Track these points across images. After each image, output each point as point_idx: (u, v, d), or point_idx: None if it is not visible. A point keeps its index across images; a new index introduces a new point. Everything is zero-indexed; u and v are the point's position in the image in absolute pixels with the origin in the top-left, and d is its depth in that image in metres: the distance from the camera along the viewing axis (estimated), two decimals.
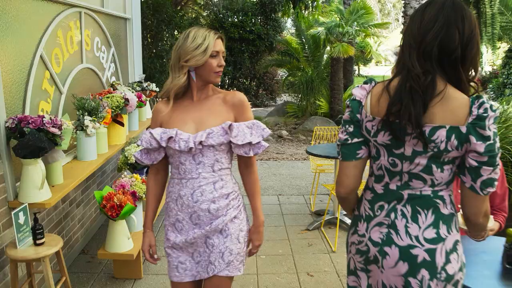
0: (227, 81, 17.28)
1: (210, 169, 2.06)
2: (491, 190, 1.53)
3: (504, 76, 14.50)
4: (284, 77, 15.03)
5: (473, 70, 1.57)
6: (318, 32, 10.79)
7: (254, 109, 16.11)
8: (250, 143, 2.04)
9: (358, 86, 1.71)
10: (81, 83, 4.26)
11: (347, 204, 1.82)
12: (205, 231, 2.07)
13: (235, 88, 17.40)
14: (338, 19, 11.16)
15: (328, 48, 11.72)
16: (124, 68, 5.71)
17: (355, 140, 1.69)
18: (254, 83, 17.15)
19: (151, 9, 11.00)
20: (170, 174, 2.21)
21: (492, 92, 15.40)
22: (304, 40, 12.50)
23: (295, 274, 3.81)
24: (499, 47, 19.07)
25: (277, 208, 5.45)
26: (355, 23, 10.82)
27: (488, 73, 20.32)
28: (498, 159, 1.50)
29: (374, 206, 1.68)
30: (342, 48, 10.16)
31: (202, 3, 18.53)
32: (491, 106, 1.46)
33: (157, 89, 5.53)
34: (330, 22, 10.98)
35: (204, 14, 18.08)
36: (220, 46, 2.06)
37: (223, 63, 2.07)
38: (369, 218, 1.69)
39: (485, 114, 1.46)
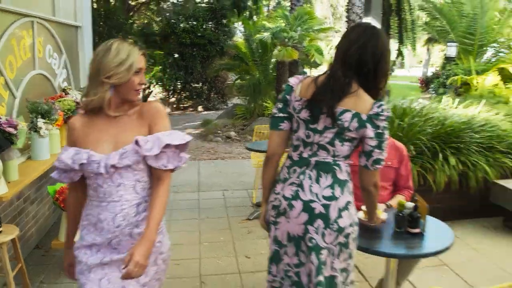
0: (179, 85, 17.58)
1: (133, 191, 1.94)
2: (379, 166, 2.09)
3: (444, 77, 15.34)
4: (233, 81, 15.46)
5: (383, 81, 2.13)
6: (264, 37, 11.32)
7: (205, 112, 16.50)
8: (169, 146, 1.90)
9: (294, 76, 2.25)
10: (34, 88, 4.54)
11: (269, 166, 2.30)
12: (124, 256, 1.90)
13: (187, 93, 17.72)
14: (283, 24, 11.68)
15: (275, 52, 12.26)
16: (76, 73, 5.98)
17: (281, 114, 2.20)
18: (206, 87, 17.50)
19: (103, 17, 11.24)
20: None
21: (433, 92, 16.24)
22: (252, 44, 12.97)
23: (234, 257, 4.23)
24: (443, 50, 20.06)
25: (221, 201, 5.87)
26: (299, 28, 11.38)
27: (432, 74, 21.41)
28: (385, 145, 2.07)
29: (290, 170, 2.17)
30: (286, 52, 10.69)
31: (155, 8, 18.79)
32: (386, 109, 2.04)
33: None
34: (276, 27, 11.51)
35: (157, 19, 18.33)
36: (143, 62, 1.95)
37: (145, 80, 1.99)
38: (285, 179, 2.17)
39: (381, 112, 2.02)
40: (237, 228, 4.93)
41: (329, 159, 2.10)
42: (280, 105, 2.22)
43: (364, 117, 2.02)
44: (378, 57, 2.08)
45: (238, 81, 14.16)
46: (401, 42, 18.75)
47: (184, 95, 17.99)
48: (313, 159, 2.11)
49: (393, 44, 20.71)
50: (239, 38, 17.52)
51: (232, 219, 5.20)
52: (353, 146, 2.12)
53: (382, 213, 2.68)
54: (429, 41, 22.42)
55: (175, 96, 18.12)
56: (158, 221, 1.89)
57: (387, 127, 2.08)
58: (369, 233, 2.60)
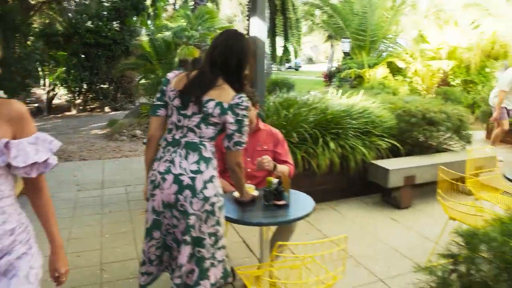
0: (85, 86, 17.29)
1: None
2: (240, 148, 2.52)
3: (343, 71, 16.25)
4: (138, 80, 15.46)
5: (246, 78, 2.59)
6: (165, 36, 11.53)
7: (113, 112, 16.36)
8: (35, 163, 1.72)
9: (172, 71, 2.64)
10: None
11: (149, 147, 2.67)
12: None
13: (94, 94, 17.44)
14: (185, 23, 11.94)
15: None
16: None
17: (158, 102, 2.61)
18: (112, 87, 17.37)
19: None
20: None
21: (335, 85, 17.21)
22: (156, 44, 13.12)
23: (134, 245, 4.46)
24: (339, 45, 21.12)
25: (124, 196, 6.06)
26: (200, 27, 11.70)
27: (334, 68, 22.60)
28: (245, 130, 2.49)
29: (165, 149, 2.54)
30: (188, 50, 10.99)
31: (57, 8, 18.26)
32: (245, 100, 2.47)
33: (5, 96, 5.84)
34: (177, 26, 11.75)
35: (60, 19, 17.87)
36: None
37: None
38: (161, 158, 2.54)
39: (241, 103, 2.46)
40: (138, 219, 5.14)
41: (196, 140, 2.49)
42: (158, 95, 2.62)
43: (225, 105, 2.44)
44: (241, 58, 2.54)
45: (143, 80, 14.23)
46: (286, 39, 19.90)
47: (90, 96, 17.73)
48: (183, 140, 2.50)
49: (280, 41, 21.77)
50: (145, 37, 17.52)
51: (133, 212, 5.41)
52: (217, 130, 2.53)
53: (253, 191, 3.08)
54: (330, 38, 23.65)
55: (81, 98, 17.81)
56: (56, 229, 1.89)
57: (247, 115, 2.51)
58: (243, 208, 2.98)
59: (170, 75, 2.62)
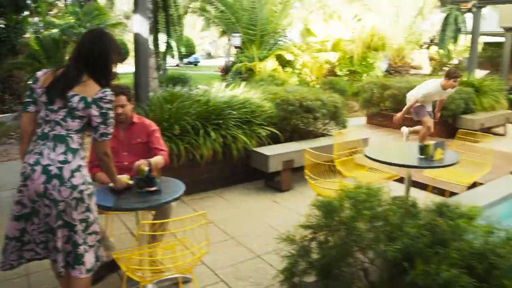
0: None
1: None
2: (106, 139, 2.76)
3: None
4: (27, 80, 14.83)
5: (111, 73, 2.84)
6: (52, 34, 11.26)
7: (0, 115, 15.57)
8: None
9: (42, 70, 2.84)
10: None
11: (23, 143, 2.83)
12: None
13: None
14: (73, 20, 11.71)
15: None
16: None
17: (28, 99, 2.78)
18: None
19: None
20: None
21: (230, 78, 17.61)
22: (44, 42, 12.73)
23: None
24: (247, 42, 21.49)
25: (10, 200, 5.76)
26: (89, 23, 11.54)
27: (231, 62, 23.03)
28: (110, 122, 2.74)
29: (35, 143, 2.71)
30: None
31: None
32: (109, 94, 2.72)
33: None
34: (65, 24, 11.50)
35: None
36: None
37: None
38: (31, 151, 2.70)
39: (104, 97, 2.70)
40: None
41: (63, 132, 2.69)
42: (28, 93, 2.79)
43: (89, 100, 2.67)
44: (105, 56, 2.77)
45: (31, 80, 13.69)
46: (168, 35, 20.20)
47: None
48: (51, 133, 2.69)
49: (162, 38, 21.95)
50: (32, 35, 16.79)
51: None
52: (83, 123, 2.74)
53: (129, 180, 3.29)
54: (224, 33, 24.01)
55: None
56: None
57: (111, 108, 2.75)
58: (118, 196, 3.18)
59: (39, 73, 2.80)
